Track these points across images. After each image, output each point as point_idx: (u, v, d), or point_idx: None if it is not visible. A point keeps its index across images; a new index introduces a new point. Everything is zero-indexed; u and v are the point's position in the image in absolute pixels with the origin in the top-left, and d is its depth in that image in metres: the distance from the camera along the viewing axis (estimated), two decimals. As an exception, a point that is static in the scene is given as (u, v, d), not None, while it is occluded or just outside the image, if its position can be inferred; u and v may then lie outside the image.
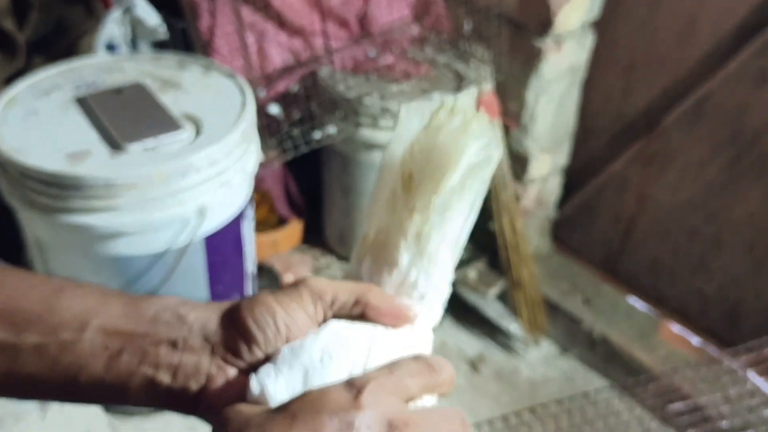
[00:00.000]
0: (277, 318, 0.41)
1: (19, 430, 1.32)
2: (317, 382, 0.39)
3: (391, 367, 0.39)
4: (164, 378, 0.41)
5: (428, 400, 0.41)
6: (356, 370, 0.40)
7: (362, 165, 1.88)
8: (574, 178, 2.16)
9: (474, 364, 2.00)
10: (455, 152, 0.44)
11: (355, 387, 0.37)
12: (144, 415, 1.62)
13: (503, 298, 2.11)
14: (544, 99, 1.92)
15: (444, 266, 0.46)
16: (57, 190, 1.22)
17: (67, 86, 1.46)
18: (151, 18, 1.82)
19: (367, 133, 1.80)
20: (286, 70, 1.85)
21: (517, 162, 2.00)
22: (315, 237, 2.15)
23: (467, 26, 1.85)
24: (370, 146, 1.83)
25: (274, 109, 1.80)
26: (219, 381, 0.41)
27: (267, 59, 1.84)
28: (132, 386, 0.41)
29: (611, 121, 2.02)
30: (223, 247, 1.43)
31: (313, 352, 0.40)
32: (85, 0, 1.88)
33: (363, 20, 1.90)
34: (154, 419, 1.62)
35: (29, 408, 1.38)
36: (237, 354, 0.41)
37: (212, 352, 0.41)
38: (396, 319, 0.44)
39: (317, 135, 1.78)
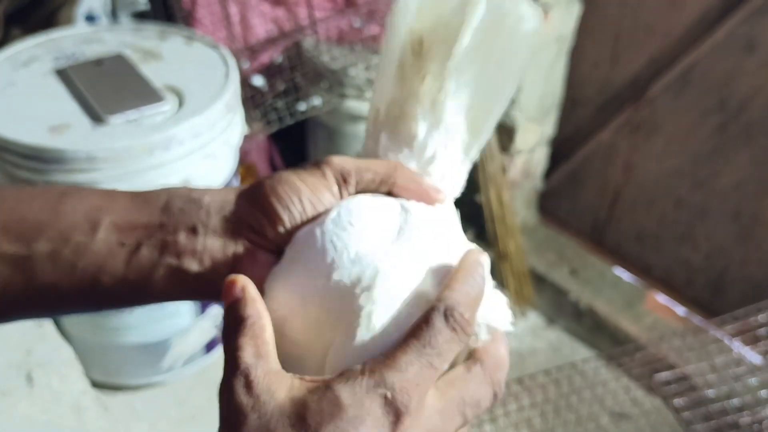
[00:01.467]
0: (302, 195, 0.39)
1: (5, 406, 1.31)
2: (343, 253, 0.36)
3: (427, 350, 0.33)
4: (191, 265, 0.39)
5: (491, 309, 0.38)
6: (385, 241, 0.37)
7: (348, 136, 1.86)
8: (561, 148, 2.15)
9: (462, 336, 2.00)
10: (468, 11, 0.41)
11: (393, 408, 0.32)
12: (132, 389, 1.62)
13: (490, 269, 2.11)
14: (530, 69, 1.91)
15: (462, 141, 0.43)
16: (38, 164, 1.20)
17: (46, 58, 1.43)
18: (131, -12, 1.78)
19: (352, 104, 1.79)
20: (270, 41, 1.82)
21: (504, 133, 1.99)
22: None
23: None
24: (356, 117, 1.81)
25: (258, 81, 1.78)
26: (247, 262, 0.39)
27: (250, 30, 1.81)
28: (156, 280, 0.39)
29: (598, 91, 2.02)
30: (208, 220, 1.42)
31: (338, 220, 0.38)
32: (62, -30, 1.84)
33: (347, -11, 1.87)
34: (142, 394, 1.62)
35: (16, 384, 1.37)
36: (262, 234, 0.39)
37: (235, 234, 0.39)
38: (425, 200, 0.41)
39: (302, 107, 1.76)
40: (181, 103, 1.33)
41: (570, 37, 1.95)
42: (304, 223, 0.39)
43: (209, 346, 1.62)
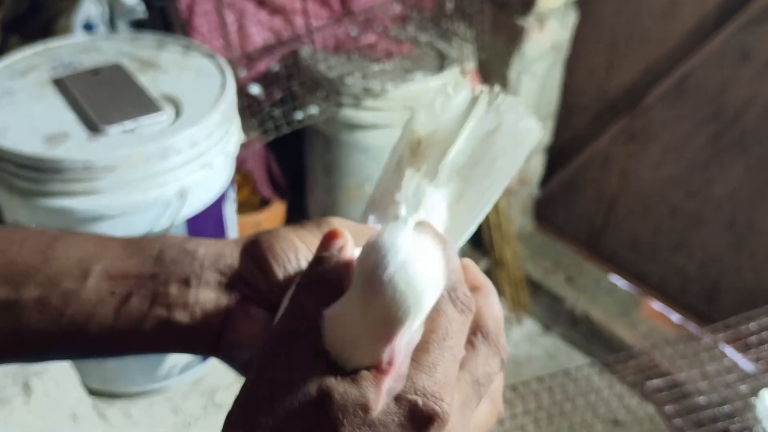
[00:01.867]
0: (299, 253, 0.39)
1: (3, 414, 1.31)
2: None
3: (442, 344, 0.32)
4: (182, 317, 0.38)
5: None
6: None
7: (344, 145, 1.87)
8: (557, 156, 2.16)
9: (458, 343, 2.01)
10: (464, 119, 0.45)
11: (421, 414, 0.30)
12: (129, 397, 1.62)
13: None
14: (526, 77, 1.92)
15: (443, 229, 0.44)
16: (35, 174, 1.21)
17: (43, 67, 1.44)
18: (129, -3, 1.79)
19: (349, 112, 1.79)
20: (267, 50, 1.83)
21: (500, 141, 2.00)
22: (298, 217, 2.14)
23: (449, 4, 1.84)
24: (352, 126, 1.82)
25: (255, 89, 1.78)
26: (239, 317, 0.39)
27: (247, 38, 1.82)
28: (145, 330, 0.38)
29: (594, 99, 2.03)
30: (205, 229, 1.42)
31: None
32: (60, -22, 1.85)
33: (344, -2, 1.88)
34: (139, 402, 1.62)
35: (13, 392, 1.37)
36: (257, 288, 0.39)
37: (229, 287, 0.39)
38: None
39: (299, 115, 1.76)
40: (178, 113, 1.34)
41: (566, 46, 1.96)
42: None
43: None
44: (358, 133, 1.82)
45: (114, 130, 1.27)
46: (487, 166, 0.45)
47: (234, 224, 1.57)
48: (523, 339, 2.06)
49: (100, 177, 1.22)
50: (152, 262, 0.39)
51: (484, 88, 0.47)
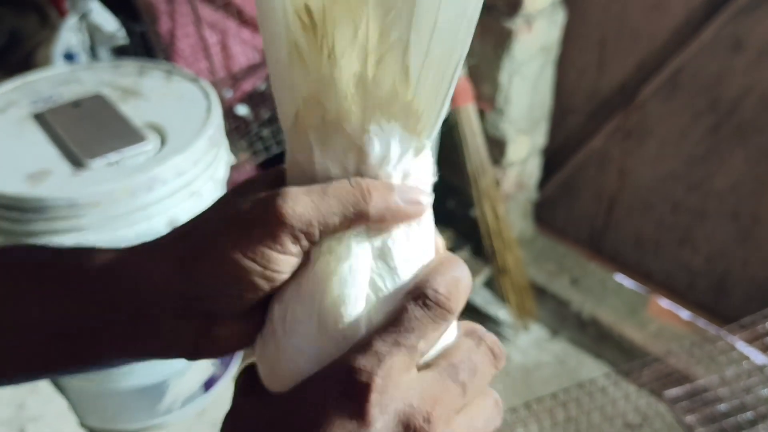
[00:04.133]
0: (252, 276, 0.31)
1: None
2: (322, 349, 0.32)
3: (396, 329, 0.31)
4: (159, 351, 0.35)
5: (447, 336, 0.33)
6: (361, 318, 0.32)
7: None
8: (554, 157, 2.13)
9: (465, 354, 1.97)
10: None
11: (355, 396, 0.29)
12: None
13: (490, 285, 2.09)
14: (517, 80, 1.89)
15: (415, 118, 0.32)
16: (17, 214, 1.17)
17: (23, 102, 1.40)
18: (109, 23, 1.76)
19: (339, 127, 1.76)
20: (252, 69, 1.80)
21: (495, 146, 1.97)
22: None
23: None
24: (344, 141, 1.78)
25: (243, 110, 1.75)
26: (208, 340, 0.34)
27: (231, 58, 1.79)
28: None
29: (587, 98, 1.99)
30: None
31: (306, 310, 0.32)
32: (38, 9, 1.82)
33: (327, 11, 1.85)
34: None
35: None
36: (222, 313, 0.33)
37: (186, 313, 0.33)
38: (405, 221, 0.33)
39: (288, 133, 1.73)
40: (163, 142, 1.31)
41: (556, 46, 1.93)
42: (264, 299, 0.33)
43: (208, 385, 1.59)
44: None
45: (97, 164, 1.23)
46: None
47: (228, 250, 1.53)
48: (532, 345, 2.02)
49: (84, 213, 1.18)
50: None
51: None
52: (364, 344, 0.31)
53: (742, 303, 1.86)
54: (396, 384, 0.30)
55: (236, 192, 0.35)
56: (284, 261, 0.32)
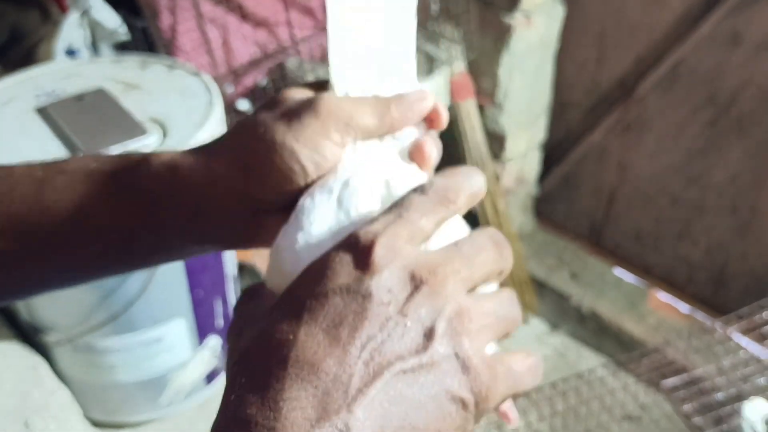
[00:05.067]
0: (303, 159, 0.36)
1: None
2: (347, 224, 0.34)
3: (398, 208, 0.33)
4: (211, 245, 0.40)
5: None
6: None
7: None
8: (553, 152, 2.14)
9: (465, 348, 1.98)
10: None
11: (360, 248, 0.30)
12: (133, 427, 1.60)
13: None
14: (517, 75, 1.89)
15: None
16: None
17: (26, 96, 1.41)
18: (111, 19, 1.77)
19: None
20: (253, 64, 1.81)
21: (495, 141, 1.98)
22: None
23: (435, 6, 1.81)
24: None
25: (244, 105, 1.76)
26: (256, 231, 0.38)
27: (232, 53, 1.80)
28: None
29: (586, 92, 2.00)
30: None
31: (336, 196, 0.35)
32: (40, 5, 1.83)
33: (328, 7, 1.86)
34: (144, 431, 1.59)
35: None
36: (269, 204, 0.37)
37: (240, 206, 0.37)
38: (419, 113, 0.39)
39: (289, 128, 1.74)
40: (165, 135, 1.32)
41: (555, 41, 1.94)
42: (309, 185, 0.36)
43: (210, 377, 1.60)
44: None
45: (100, 157, 1.24)
46: None
47: (230, 243, 1.54)
48: (532, 339, 2.03)
49: (88, 205, 1.19)
50: (149, 206, 0.38)
51: None
52: (369, 221, 0.33)
53: (741, 296, 1.87)
54: (400, 247, 0.31)
55: (265, 106, 0.39)
56: (331, 150, 0.36)
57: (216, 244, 0.40)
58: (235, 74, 1.80)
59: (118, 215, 0.39)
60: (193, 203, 0.38)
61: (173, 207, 0.38)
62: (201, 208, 0.37)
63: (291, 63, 1.81)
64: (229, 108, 1.66)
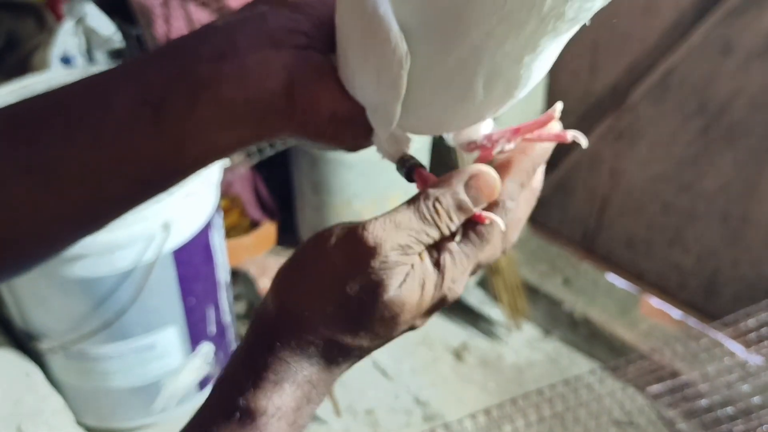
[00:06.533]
0: None
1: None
2: None
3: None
4: (232, 92, 0.36)
5: None
6: None
7: (331, 161, 1.86)
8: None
9: (458, 353, 1.99)
10: None
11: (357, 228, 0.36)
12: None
13: (483, 284, 2.11)
14: (510, 83, 1.90)
15: None
16: (15, 216, 1.19)
17: (20, 105, 1.42)
18: (105, 27, 1.78)
19: (333, 129, 1.78)
20: (247, 71, 1.82)
21: (488, 147, 1.98)
22: (289, 237, 2.12)
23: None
24: (338, 143, 1.80)
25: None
26: (302, 74, 0.36)
27: (226, 61, 1.81)
28: (195, 129, 0.37)
29: (579, 101, 2.01)
30: (192, 259, 1.41)
31: None
32: (35, 12, 1.84)
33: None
34: (137, 435, 1.61)
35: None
36: (306, 34, 0.37)
37: (277, 42, 0.35)
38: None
39: (283, 135, 1.75)
40: (157, 144, 1.33)
41: (547, 49, 1.95)
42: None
43: (203, 384, 1.61)
44: (343, 149, 1.80)
45: (93, 166, 1.25)
46: None
47: (223, 250, 1.55)
48: (524, 345, 2.04)
49: (80, 215, 1.20)
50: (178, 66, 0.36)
51: None
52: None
53: (731, 302, 1.88)
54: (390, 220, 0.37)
55: None
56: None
57: (249, 97, 0.37)
58: (230, 81, 1.81)
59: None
60: (217, 46, 0.36)
61: (194, 54, 0.37)
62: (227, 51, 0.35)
63: (285, 70, 1.82)
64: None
